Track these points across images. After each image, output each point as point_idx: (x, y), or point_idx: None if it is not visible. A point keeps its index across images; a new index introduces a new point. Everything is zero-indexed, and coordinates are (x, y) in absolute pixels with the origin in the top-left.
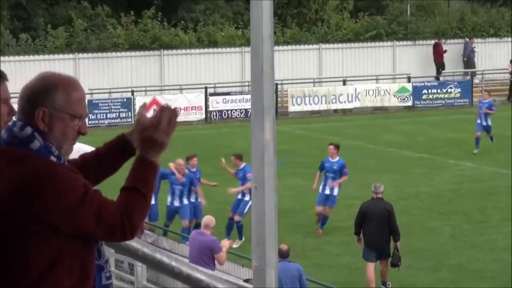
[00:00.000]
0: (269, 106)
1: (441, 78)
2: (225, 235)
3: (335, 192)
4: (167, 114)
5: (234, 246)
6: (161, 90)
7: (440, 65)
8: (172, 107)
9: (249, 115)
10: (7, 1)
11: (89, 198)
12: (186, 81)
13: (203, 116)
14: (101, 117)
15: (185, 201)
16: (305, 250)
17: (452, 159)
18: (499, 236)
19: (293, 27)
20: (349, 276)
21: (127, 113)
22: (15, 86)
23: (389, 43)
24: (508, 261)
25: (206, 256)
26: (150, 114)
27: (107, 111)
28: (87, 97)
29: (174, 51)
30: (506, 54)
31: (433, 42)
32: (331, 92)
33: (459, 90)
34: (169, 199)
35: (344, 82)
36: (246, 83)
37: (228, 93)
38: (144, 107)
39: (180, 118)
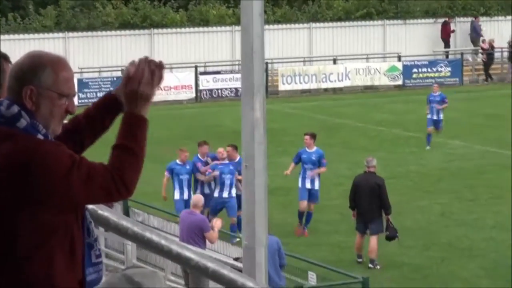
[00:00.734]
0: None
1: (431, 57)
2: None
3: (316, 186)
4: (150, 66)
5: None
6: None
7: (446, 44)
8: (157, 60)
9: (239, 94)
10: None
11: (76, 166)
12: (176, 60)
13: (193, 95)
14: (91, 96)
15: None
16: (295, 229)
17: (441, 137)
18: (489, 214)
19: (283, 6)
20: (340, 255)
21: None
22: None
23: (380, 22)
24: (498, 239)
25: (196, 235)
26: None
27: (97, 90)
28: (77, 76)
29: (165, 30)
30: (497, 32)
31: (423, 21)
32: (322, 71)
33: (449, 69)
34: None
35: (335, 61)
36: (237, 62)
37: (218, 72)
38: (133, 64)
39: (170, 97)
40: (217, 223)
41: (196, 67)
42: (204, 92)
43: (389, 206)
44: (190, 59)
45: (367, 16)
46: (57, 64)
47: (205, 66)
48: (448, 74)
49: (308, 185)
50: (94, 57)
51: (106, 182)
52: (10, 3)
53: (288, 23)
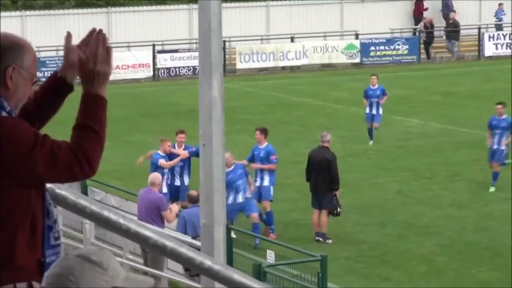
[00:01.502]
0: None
1: (389, 35)
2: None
3: (266, 182)
4: (100, 41)
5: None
6: None
7: (417, 22)
8: (97, 30)
9: (197, 72)
10: None
11: (40, 143)
12: (134, 38)
13: (151, 73)
14: (49, 74)
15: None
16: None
17: (399, 115)
18: (446, 192)
19: None
20: (296, 232)
21: None
22: None
23: (337, 0)
24: (455, 216)
25: (154, 213)
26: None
27: (55, 68)
28: None
29: (122, 8)
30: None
31: None
32: (279, 49)
33: (406, 47)
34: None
35: (292, 39)
36: (194, 41)
37: (176, 51)
38: (70, 38)
39: (128, 75)
40: (174, 207)
41: (153, 45)
42: (162, 71)
43: (337, 181)
44: (147, 38)
45: None
46: (31, 46)
47: (162, 45)
48: (406, 52)
49: (258, 183)
50: (52, 35)
51: (70, 159)
52: None
53: (246, 1)
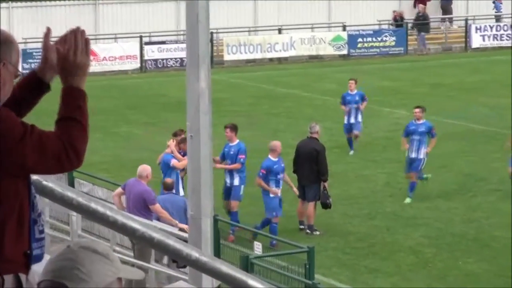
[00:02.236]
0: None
1: (376, 27)
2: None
3: (236, 181)
4: (78, 33)
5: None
6: (96, 39)
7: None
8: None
9: (184, 64)
10: None
11: (29, 133)
12: (121, 30)
13: (138, 65)
14: (35, 66)
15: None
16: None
17: (387, 107)
18: (433, 184)
19: None
20: (285, 224)
21: None
22: None
23: None
24: (442, 208)
25: (141, 205)
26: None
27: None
28: (21, 46)
29: (110, 0)
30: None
31: None
32: (267, 41)
33: (394, 38)
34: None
35: (280, 31)
36: (182, 32)
37: (163, 42)
38: (48, 35)
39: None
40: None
41: (141, 37)
42: (149, 62)
43: (326, 172)
44: (135, 29)
45: None
46: (16, 41)
47: (150, 36)
48: (393, 43)
49: (228, 182)
50: (38, 27)
51: (58, 150)
52: None
53: None
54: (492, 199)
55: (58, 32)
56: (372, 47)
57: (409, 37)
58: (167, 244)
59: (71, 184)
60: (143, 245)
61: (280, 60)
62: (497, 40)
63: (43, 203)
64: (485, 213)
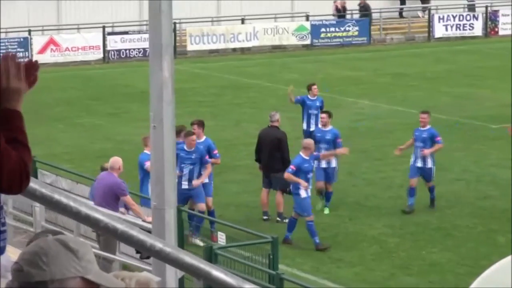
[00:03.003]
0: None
1: (341, 17)
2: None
3: (207, 179)
4: (8, 59)
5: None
6: (58, 29)
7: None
8: (13, 56)
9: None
10: None
11: None
12: (84, 20)
13: (101, 55)
14: None
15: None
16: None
17: (350, 97)
18: (396, 174)
19: None
20: (249, 214)
21: (24, 53)
22: None
23: None
24: (405, 197)
25: (110, 197)
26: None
27: (3, 51)
28: None
29: None
30: None
31: None
32: (230, 31)
33: (357, 28)
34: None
35: (243, 21)
36: (144, 22)
37: (126, 33)
38: None
39: (78, 57)
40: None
41: (103, 27)
42: (112, 53)
43: (289, 160)
44: (97, 20)
45: None
46: None
47: (112, 27)
48: (356, 33)
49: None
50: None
51: (15, 168)
52: None
53: None
54: (455, 188)
55: (21, 22)
56: (335, 37)
57: (372, 27)
58: (131, 235)
59: (34, 175)
60: (108, 236)
61: (243, 50)
62: (459, 30)
63: (4, 196)
64: (447, 203)
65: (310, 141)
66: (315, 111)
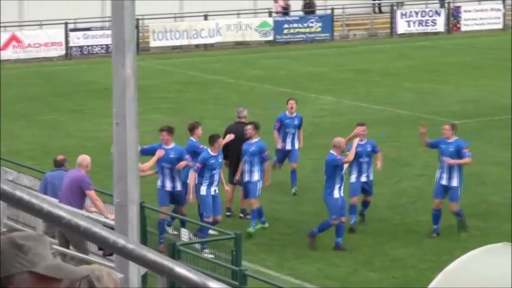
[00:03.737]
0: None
1: (302, 13)
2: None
3: (178, 187)
4: None
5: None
6: (21, 26)
7: None
8: None
9: (110, 50)
10: None
11: None
12: (46, 16)
13: (64, 52)
14: None
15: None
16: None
17: (313, 93)
18: None
19: None
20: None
21: None
22: None
23: None
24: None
25: (76, 193)
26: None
27: None
28: None
29: None
30: None
31: None
32: (193, 27)
33: (320, 24)
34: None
35: (206, 17)
36: (107, 19)
37: (88, 29)
38: None
39: (41, 53)
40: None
41: (66, 23)
42: (75, 49)
43: None
44: (60, 16)
45: None
46: None
47: (75, 23)
48: (319, 29)
49: (168, 187)
50: None
51: None
52: None
53: None
54: (417, 184)
55: None
56: (298, 33)
57: (335, 23)
58: (94, 231)
59: None
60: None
61: (206, 46)
62: (422, 25)
63: None
64: (410, 198)
65: (340, 140)
66: (293, 130)
